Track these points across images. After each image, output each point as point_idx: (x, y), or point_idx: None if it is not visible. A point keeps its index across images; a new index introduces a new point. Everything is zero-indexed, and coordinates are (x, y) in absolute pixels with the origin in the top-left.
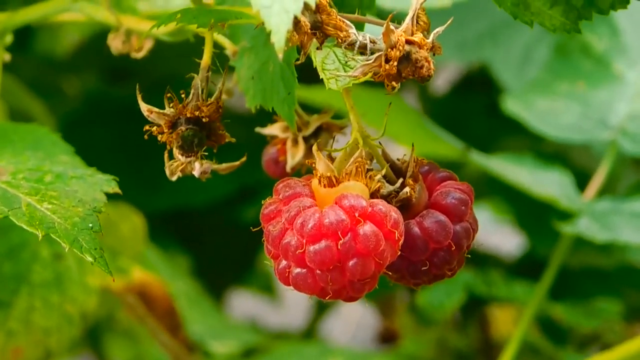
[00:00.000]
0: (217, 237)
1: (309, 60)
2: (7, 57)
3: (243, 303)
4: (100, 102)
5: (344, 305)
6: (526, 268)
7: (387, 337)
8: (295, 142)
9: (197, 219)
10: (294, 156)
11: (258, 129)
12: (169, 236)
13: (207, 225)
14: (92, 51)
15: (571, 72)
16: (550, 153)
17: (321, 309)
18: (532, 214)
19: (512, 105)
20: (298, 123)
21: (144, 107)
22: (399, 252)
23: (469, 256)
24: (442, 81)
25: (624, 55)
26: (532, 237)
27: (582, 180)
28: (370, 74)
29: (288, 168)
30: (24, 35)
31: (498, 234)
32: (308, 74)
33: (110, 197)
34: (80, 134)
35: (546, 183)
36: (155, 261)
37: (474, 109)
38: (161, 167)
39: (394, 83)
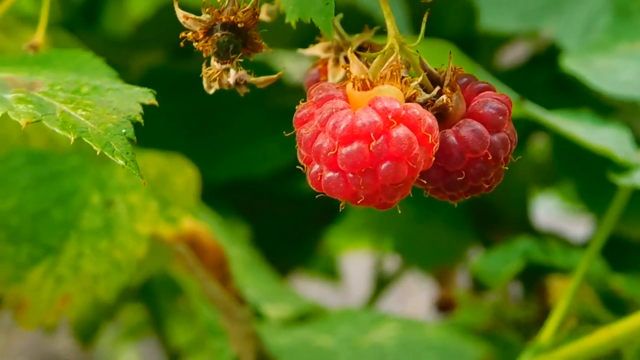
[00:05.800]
0: (278, 209)
1: None
2: None
3: (305, 288)
4: (162, 76)
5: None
6: None
7: (444, 306)
8: (336, 62)
9: (258, 190)
10: (335, 76)
11: (300, 50)
12: (229, 206)
13: (268, 197)
14: (156, 26)
15: (631, 33)
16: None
17: (380, 286)
18: (595, 188)
19: (570, 63)
20: (339, 43)
21: (179, 13)
22: (435, 162)
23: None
24: (509, 59)
25: None
26: (593, 209)
27: None
28: None
29: None
30: (91, 12)
31: (566, 223)
32: None
33: (165, 148)
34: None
35: (603, 137)
36: (212, 225)
37: (539, 82)
38: (222, 138)
39: None
